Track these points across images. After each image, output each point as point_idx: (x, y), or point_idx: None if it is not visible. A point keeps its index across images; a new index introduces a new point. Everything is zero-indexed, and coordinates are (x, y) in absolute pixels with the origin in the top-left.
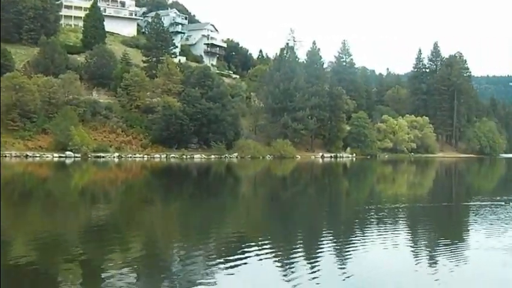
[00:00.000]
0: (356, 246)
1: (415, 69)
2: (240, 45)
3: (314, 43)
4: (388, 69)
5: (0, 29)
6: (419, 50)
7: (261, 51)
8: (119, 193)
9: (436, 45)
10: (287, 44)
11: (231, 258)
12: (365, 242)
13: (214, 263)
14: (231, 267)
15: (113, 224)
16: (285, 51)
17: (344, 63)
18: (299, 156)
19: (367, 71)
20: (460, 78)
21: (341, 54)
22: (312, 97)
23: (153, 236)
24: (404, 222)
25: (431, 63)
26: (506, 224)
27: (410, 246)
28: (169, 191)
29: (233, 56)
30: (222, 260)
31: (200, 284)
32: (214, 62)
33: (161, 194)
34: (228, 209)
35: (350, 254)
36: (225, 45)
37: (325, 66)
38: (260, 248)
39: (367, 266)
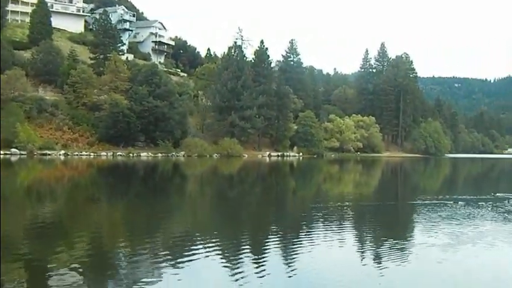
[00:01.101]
0: (302, 245)
1: (362, 70)
2: (188, 44)
3: (262, 42)
4: (335, 69)
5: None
6: (366, 51)
7: (209, 49)
8: (65, 191)
9: (383, 46)
10: (235, 42)
11: (177, 256)
12: (311, 240)
13: (160, 261)
14: (178, 265)
15: (58, 223)
16: (232, 50)
17: (292, 63)
18: (246, 155)
19: (315, 71)
20: (406, 79)
21: (289, 54)
22: (259, 96)
23: (99, 234)
24: (350, 220)
25: (378, 63)
26: (450, 222)
27: (356, 244)
28: (116, 189)
29: (181, 54)
30: (168, 258)
31: (146, 283)
32: (162, 60)
33: (107, 192)
34: (175, 208)
35: (296, 252)
36: (173, 43)
37: (272, 65)
38: (207, 246)
39: (313, 264)
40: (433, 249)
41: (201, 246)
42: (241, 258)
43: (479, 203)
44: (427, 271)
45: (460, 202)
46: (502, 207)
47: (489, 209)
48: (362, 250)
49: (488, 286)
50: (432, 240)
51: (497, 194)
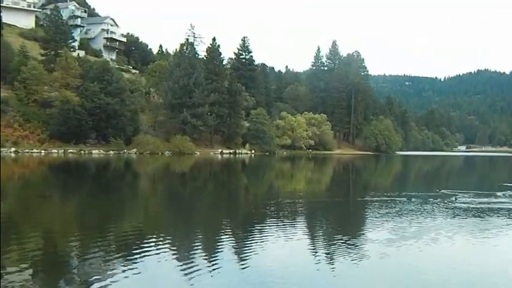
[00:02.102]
0: (254, 241)
1: (314, 67)
2: (140, 40)
3: (214, 39)
4: (287, 66)
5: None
6: (318, 48)
7: (161, 46)
8: (15, 189)
9: (334, 44)
10: (187, 39)
11: (129, 254)
12: (263, 237)
13: (112, 259)
14: (129, 263)
15: (7, 221)
16: (184, 47)
17: (244, 60)
18: (198, 153)
19: (267, 68)
20: (358, 77)
21: (241, 51)
22: (211, 93)
23: (49, 233)
24: (302, 217)
25: (329, 61)
26: (397, 218)
27: (307, 240)
28: (67, 187)
29: (133, 50)
30: (120, 256)
31: (97, 280)
32: (114, 57)
33: (58, 190)
34: (126, 206)
35: (248, 249)
36: (124, 39)
37: (224, 62)
38: (159, 244)
39: (265, 261)
40: (380, 244)
41: (152, 244)
42: (193, 255)
43: (426, 200)
44: (375, 266)
45: (408, 199)
46: (445, 204)
47: (434, 205)
48: (313, 246)
49: (430, 279)
50: (380, 236)
51: (442, 191)
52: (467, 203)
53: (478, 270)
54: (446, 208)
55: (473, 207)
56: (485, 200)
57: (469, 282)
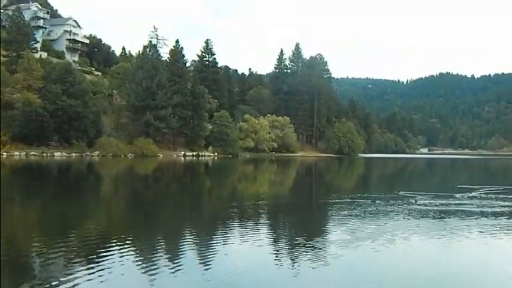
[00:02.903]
0: (217, 244)
1: (277, 70)
2: (103, 42)
3: (177, 42)
4: (250, 69)
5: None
6: (281, 51)
7: (124, 48)
8: None
9: (297, 47)
10: (150, 41)
11: (91, 257)
12: (226, 239)
13: (74, 262)
14: (91, 266)
15: None
16: (147, 49)
17: (207, 62)
18: (161, 155)
19: (230, 71)
20: (321, 80)
21: (204, 54)
22: (174, 96)
23: (10, 236)
24: (265, 219)
25: (292, 64)
26: (357, 219)
27: (270, 242)
28: (28, 189)
29: (95, 52)
30: (82, 259)
31: (59, 283)
32: (76, 58)
33: (20, 193)
34: (88, 209)
35: (211, 251)
36: (87, 41)
37: (188, 65)
38: (122, 247)
39: (227, 262)
40: (340, 245)
41: (115, 247)
42: (156, 257)
43: (385, 201)
44: (336, 266)
45: (368, 201)
46: (404, 205)
47: (393, 207)
48: (275, 247)
49: (388, 279)
50: (340, 237)
51: (401, 193)
52: (425, 204)
53: (434, 270)
54: (405, 210)
55: (431, 209)
56: (443, 201)
57: (425, 282)
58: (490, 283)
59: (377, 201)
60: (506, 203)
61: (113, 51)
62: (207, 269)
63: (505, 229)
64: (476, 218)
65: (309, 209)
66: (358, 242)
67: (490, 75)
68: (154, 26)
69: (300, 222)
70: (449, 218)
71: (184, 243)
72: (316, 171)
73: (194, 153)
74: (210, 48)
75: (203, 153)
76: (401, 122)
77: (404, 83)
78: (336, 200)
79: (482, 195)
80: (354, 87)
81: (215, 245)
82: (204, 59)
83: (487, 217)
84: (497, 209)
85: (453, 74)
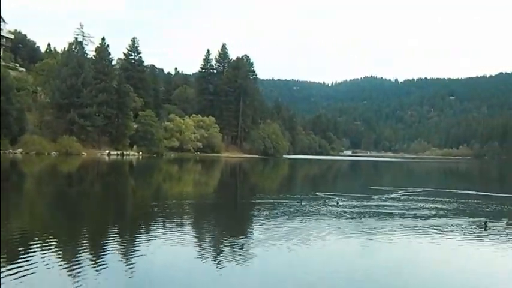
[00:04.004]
0: (141, 243)
1: (203, 70)
2: (28, 38)
3: (103, 39)
4: (176, 68)
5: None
6: (208, 51)
7: (49, 44)
8: None
9: (224, 47)
10: (76, 38)
11: (13, 256)
12: (150, 239)
13: None
14: (13, 266)
15: None
16: (73, 46)
17: (133, 61)
18: (85, 154)
19: (156, 70)
20: (246, 80)
21: (130, 52)
22: (99, 94)
23: None
24: (189, 219)
25: (219, 64)
26: (282, 219)
27: (194, 242)
28: None
29: (20, 48)
30: (2, 260)
31: None
32: (0, 54)
33: None
34: (10, 207)
35: (135, 251)
36: (12, 36)
37: (114, 63)
38: (43, 246)
39: (152, 262)
40: (258, 245)
41: (37, 247)
42: (79, 258)
43: (304, 202)
44: (257, 265)
45: (289, 201)
46: (321, 206)
47: (311, 207)
48: (199, 247)
49: (309, 277)
50: (258, 236)
51: (317, 193)
52: (343, 205)
53: (347, 268)
54: (322, 210)
55: (348, 210)
56: (360, 203)
57: (338, 280)
58: (404, 281)
59: (296, 202)
60: (423, 205)
61: (38, 47)
62: (131, 268)
63: (420, 230)
64: (393, 219)
65: (232, 209)
66: (275, 241)
67: (413, 79)
68: (80, 23)
69: (222, 221)
70: (366, 218)
71: (108, 243)
72: (240, 172)
73: (119, 152)
74: (137, 47)
75: (128, 152)
76: (326, 124)
77: (330, 85)
78: (258, 200)
79: (401, 197)
80: (279, 88)
81: (139, 244)
82: (130, 57)
83: (404, 218)
84: (413, 211)
85: (377, 77)
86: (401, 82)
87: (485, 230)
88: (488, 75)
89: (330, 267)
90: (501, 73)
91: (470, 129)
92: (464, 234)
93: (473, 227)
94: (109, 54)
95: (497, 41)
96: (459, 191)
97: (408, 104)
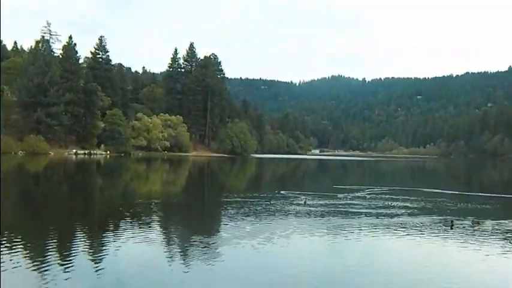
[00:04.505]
0: (109, 243)
1: (171, 69)
2: None
3: (70, 38)
4: (144, 67)
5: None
6: (175, 50)
7: (15, 42)
8: None
9: (191, 46)
10: (43, 37)
11: None
12: (118, 238)
13: None
14: None
15: None
16: (40, 45)
17: (100, 60)
18: (52, 153)
19: (123, 69)
20: (214, 80)
21: (97, 51)
22: (66, 93)
23: None
24: (158, 218)
25: (186, 63)
26: (248, 218)
27: (163, 241)
28: None
29: None
30: None
31: None
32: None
33: None
34: None
35: (103, 251)
36: None
37: (81, 61)
38: (9, 248)
39: (120, 262)
40: (224, 243)
41: (3, 247)
42: (46, 259)
43: (269, 201)
44: (224, 263)
45: (255, 200)
46: (286, 205)
47: (277, 206)
48: (167, 246)
49: (275, 275)
50: (224, 235)
51: (282, 192)
52: (309, 204)
53: (311, 266)
54: (287, 209)
55: (314, 209)
56: (326, 201)
57: (301, 278)
58: (370, 279)
59: (265, 201)
60: (389, 203)
61: (5, 45)
62: (99, 269)
63: (387, 228)
64: (359, 218)
65: (199, 208)
66: (242, 240)
67: (380, 78)
68: (47, 21)
69: (190, 221)
70: (332, 217)
71: (75, 243)
72: (208, 171)
73: (86, 152)
74: (104, 46)
75: (95, 152)
76: (294, 123)
77: (297, 84)
78: (226, 199)
79: (367, 196)
80: (247, 87)
81: (106, 244)
82: (98, 56)
83: (370, 217)
84: (380, 210)
85: (345, 77)
86: (368, 81)
87: (452, 228)
88: (454, 75)
89: (296, 266)
90: (467, 73)
91: (437, 128)
92: (431, 233)
93: (440, 225)
94: (76, 52)
95: (463, 41)
96: (426, 190)
97: (375, 104)
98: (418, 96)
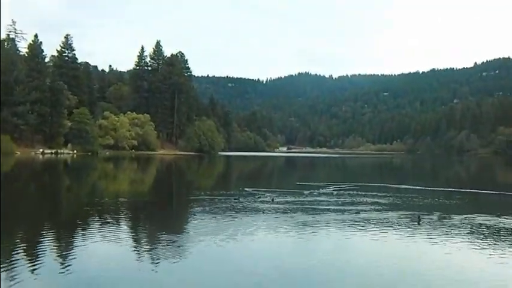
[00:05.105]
0: (77, 243)
1: (138, 67)
2: None
3: (36, 36)
4: (110, 66)
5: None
6: (142, 48)
7: None
8: None
9: (158, 44)
10: (8, 35)
11: None
12: (86, 239)
13: None
14: None
15: None
16: (5, 43)
17: (66, 58)
18: (19, 152)
19: (90, 67)
20: (181, 78)
21: (63, 49)
22: (32, 91)
23: None
24: (125, 217)
25: (153, 61)
26: (222, 215)
27: (131, 240)
28: None
29: None
30: None
31: None
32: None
33: None
34: None
35: (71, 251)
36: None
37: (47, 60)
38: None
39: (89, 262)
40: (196, 240)
41: None
42: (13, 258)
43: (235, 198)
44: (195, 261)
45: (221, 197)
46: (252, 202)
47: (243, 203)
48: (135, 245)
49: (243, 270)
50: (190, 233)
51: (247, 189)
52: (277, 202)
53: (273, 263)
54: (253, 206)
55: (282, 206)
56: (295, 199)
57: (263, 275)
58: (336, 275)
59: (234, 199)
60: (356, 199)
61: None
62: (66, 269)
63: (353, 224)
64: (326, 214)
65: (167, 206)
66: (208, 238)
67: (347, 75)
68: (12, 20)
69: (157, 219)
70: (299, 214)
71: (42, 243)
72: (175, 169)
73: (53, 151)
74: (70, 44)
75: (62, 151)
76: (261, 120)
77: (264, 82)
78: (193, 197)
79: (334, 192)
80: (214, 85)
81: (74, 244)
82: (64, 54)
83: (337, 213)
84: (347, 206)
85: (312, 74)
86: (335, 78)
87: (419, 223)
88: (421, 72)
89: (263, 262)
90: (433, 69)
91: (404, 124)
92: (398, 228)
93: (407, 220)
94: (42, 51)
95: (429, 39)
96: (393, 185)
97: (342, 100)
98: (385, 93)
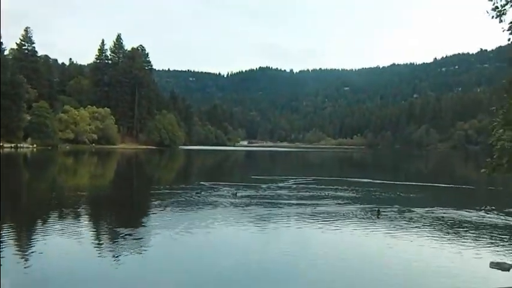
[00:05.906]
0: (37, 238)
1: (98, 61)
2: None
3: None
4: (71, 59)
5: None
6: (103, 41)
7: None
8: None
9: (119, 38)
10: None
11: None
12: (46, 234)
13: None
14: None
15: None
16: None
17: (26, 51)
18: None
19: (50, 60)
20: (142, 71)
21: (23, 42)
22: None
23: None
24: (86, 211)
25: (114, 55)
26: (182, 209)
27: (92, 235)
28: None
29: None
30: None
31: None
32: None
33: None
34: None
35: (31, 247)
36: None
37: (6, 53)
38: None
39: (49, 257)
40: (158, 234)
41: None
42: None
43: (190, 192)
44: (155, 254)
45: (179, 191)
46: (207, 196)
47: (204, 197)
48: (95, 240)
49: (209, 263)
50: (148, 226)
51: (202, 183)
52: (239, 197)
53: (232, 256)
54: (213, 200)
55: (244, 201)
56: (255, 192)
57: (220, 268)
58: (295, 267)
59: (195, 193)
60: (316, 193)
61: None
62: (26, 265)
63: (312, 217)
64: (285, 207)
65: (127, 200)
66: (166, 231)
67: (308, 70)
68: None
69: (117, 213)
70: (259, 207)
71: (1, 239)
72: (135, 164)
73: (12, 145)
74: (30, 37)
75: (22, 145)
76: (222, 114)
77: (225, 76)
78: (153, 192)
79: (293, 186)
80: (175, 79)
81: (34, 239)
82: (23, 47)
83: (296, 206)
84: (306, 200)
85: (273, 68)
86: (296, 73)
87: (379, 217)
88: (381, 66)
89: (223, 255)
90: (393, 64)
91: (364, 119)
92: (357, 221)
93: (366, 214)
94: (1, 44)
95: (389, 34)
96: (352, 179)
97: (303, 95)
98: (346, 88)
